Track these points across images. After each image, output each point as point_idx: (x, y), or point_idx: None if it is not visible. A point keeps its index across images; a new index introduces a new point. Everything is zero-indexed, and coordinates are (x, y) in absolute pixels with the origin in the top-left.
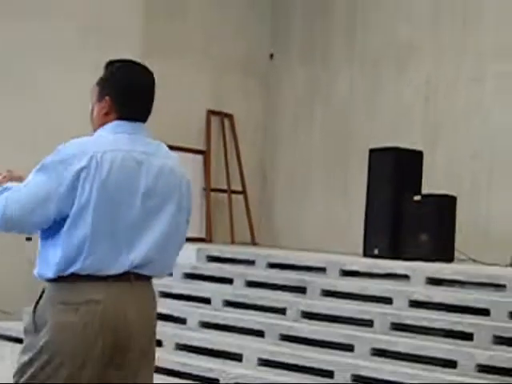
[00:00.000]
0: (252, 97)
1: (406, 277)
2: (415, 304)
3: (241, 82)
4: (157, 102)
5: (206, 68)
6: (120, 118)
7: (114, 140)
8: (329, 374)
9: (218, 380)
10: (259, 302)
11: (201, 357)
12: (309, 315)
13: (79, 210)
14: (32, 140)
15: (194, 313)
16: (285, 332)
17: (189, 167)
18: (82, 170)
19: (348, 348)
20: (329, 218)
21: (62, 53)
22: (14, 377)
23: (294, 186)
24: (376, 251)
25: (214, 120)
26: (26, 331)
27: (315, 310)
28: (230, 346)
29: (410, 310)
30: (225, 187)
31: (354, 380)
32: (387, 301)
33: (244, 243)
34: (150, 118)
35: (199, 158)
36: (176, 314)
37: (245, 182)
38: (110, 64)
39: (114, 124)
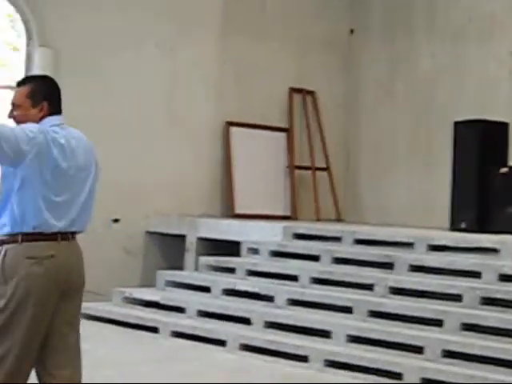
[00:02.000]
0: (333, 73)
1: (494, 250)
2: (505, 278)
3: (322, 58)
4: (239, 82)
5: (286, 46)
6: (49, 114)
7: (54, 132)
8: (418, 349)
9: (307, 357)
10: (346, 279)
11: (289, 334)
12: (397, 291)
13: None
14: (106, 128)
15: (282, 290)
16: (373, 308)
17: (272, 145)
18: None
19: (437, 323)
20: (414, 192)
21: (139, 39)
22: None
23: (378, 162)
24: (463, 225)
25: (297, 97)
26: None
27: (403, 286)
28: (318, 323)
29: (500, 284)
30: (309, 164)
31: (444, 355)
32: (476, 275)
33: (329, 220)
34: (236, 98)
35: (282, 135)
36: (264, 292)
37: (329, 158)
38: (30, 80)
39: (50, 119)
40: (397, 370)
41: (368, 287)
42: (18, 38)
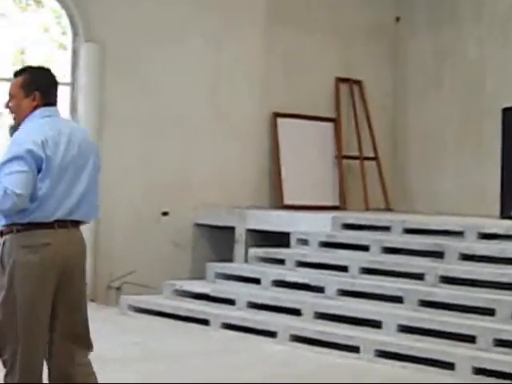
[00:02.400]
0: (380, 62)
1: None
2: None
3: (368, 47)
4: (285, 73)
5: (332, 36)
6: (44, 105)
7: (46, 123)
8: (470, 338)
9: (358, 347)
10: (396, 268)
11: (340, 325)
12: (447, 280)
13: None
14: (152, 122)
15: (332, 281)
16: (423, 297)
17: (319, 135)
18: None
19: (489, 312)
20: (463, 180)
21: (184, 32)
22: None
23: (426, 150)
24: None
25: (343, 87)
26: None
27: (454, 275)
28: (368, 314)
29: None
30: (357, 154)
31: (496, 344)
32: None
33: (378, 209)
34: (282, 89)
35: (329, 125)
36: (313, 283)
37: (377, 147)
38: (25, 70)
39: (41, 110)
40: (449, 359)
41: (418, 276)
42: (63, 34)
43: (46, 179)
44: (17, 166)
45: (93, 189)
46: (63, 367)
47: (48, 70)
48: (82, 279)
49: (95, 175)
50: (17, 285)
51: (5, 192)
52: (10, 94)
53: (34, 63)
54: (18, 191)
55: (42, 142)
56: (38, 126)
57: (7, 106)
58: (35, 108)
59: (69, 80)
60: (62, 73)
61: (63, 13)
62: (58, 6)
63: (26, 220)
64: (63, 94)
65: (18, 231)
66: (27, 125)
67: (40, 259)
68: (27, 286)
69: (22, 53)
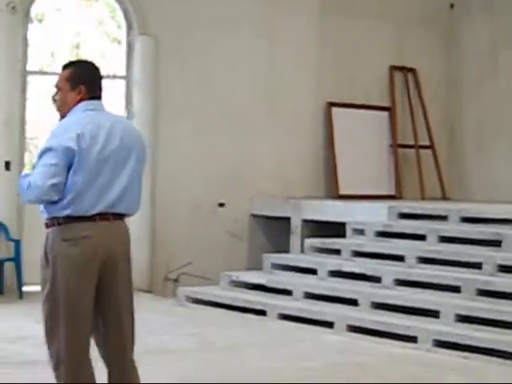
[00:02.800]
0: (434, 49)
1: None
2: None
3: (422, 35)
4: (338, 63)
5: (385, 24)
6: (88, 98)
7: (87, 116)
8: None
9: (415, 337)
10: (454, 258)
11: (397, 315)
12: (506, 269)
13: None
14: (207, 114)
15: (389, 271)
16: (481, 287)
17: (374, 124)
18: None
19: None
20: None
21: (237, 23)
22: (44, 303)
23: (482, 137)
24: None
25: (398, 75)
26: (41, 267)
27: None
28: (426, 303)
29: None
30: (412, 143)
31: None
32: None
33: (434, 198)
34: (336, 78)
35: (384, 114)
36: (370, 273)
37: (432, 136)
38: (73, 64)
39: (85, 103)
40: (508, 349)
41: (476, 266)
42: (117, 28)
43: (80, 172)
44: (48, 159)
45: (136, 181)
46: (109, 362)
47: (93, 64)
48: (127, 271)
49: (139, 167)
50: (59, 278)
51: (29, 184)
52: (56, 87)
53: (89, 57)
54: (40, 183)
55: (78, 136)
56: (77, 119)
57: (54, 98)
58: (80, 101)
59: (123, 73)
60: (116, 66)
61: (117, 7)
62: (112, 0)
63: (64, 213)
64: (118, 88)
65: (59, 224)
66: (69, 118)
67: (81, 252)
68: (69, 278)
69: (77, 47)
